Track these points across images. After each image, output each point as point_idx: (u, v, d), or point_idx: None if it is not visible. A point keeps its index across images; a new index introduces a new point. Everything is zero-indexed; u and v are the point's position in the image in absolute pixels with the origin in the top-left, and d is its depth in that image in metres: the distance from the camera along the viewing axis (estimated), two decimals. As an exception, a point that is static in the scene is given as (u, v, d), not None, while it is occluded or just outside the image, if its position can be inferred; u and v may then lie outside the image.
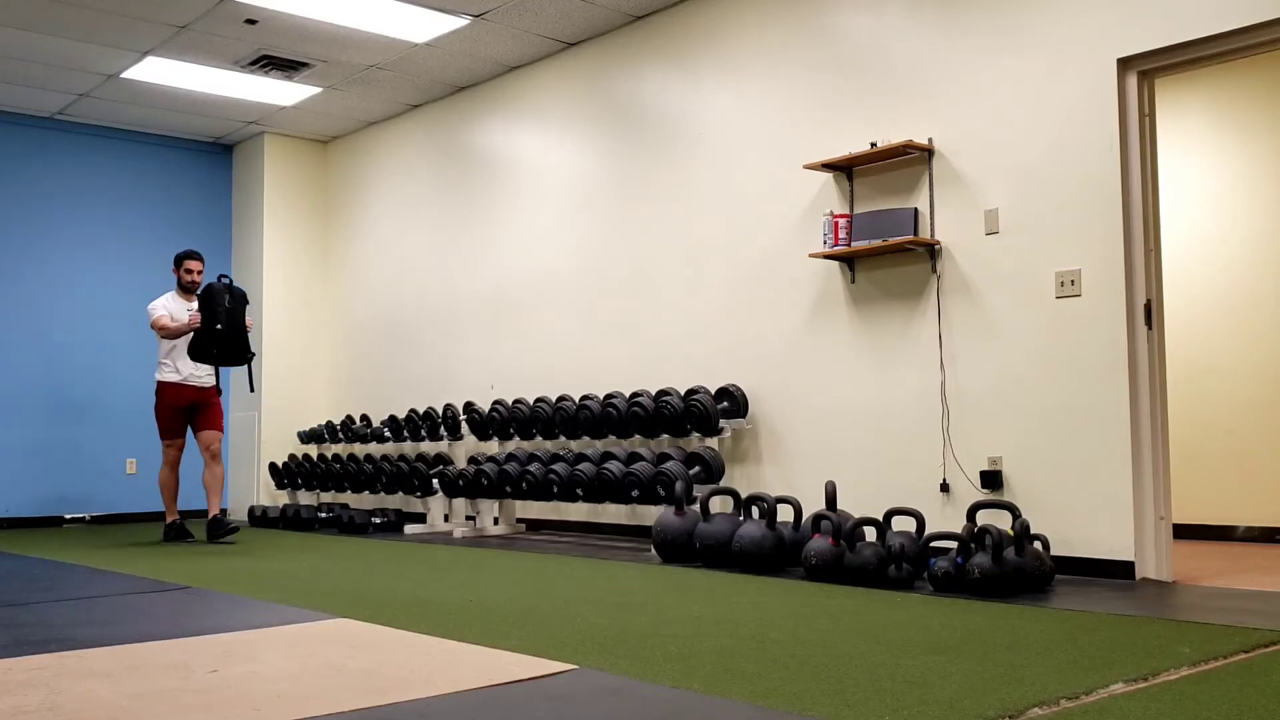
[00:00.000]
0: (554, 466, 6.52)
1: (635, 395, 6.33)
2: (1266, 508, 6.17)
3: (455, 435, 7.54)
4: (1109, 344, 4.64)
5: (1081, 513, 4.68)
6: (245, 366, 6.77)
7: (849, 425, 5.58)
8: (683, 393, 6.19)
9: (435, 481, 7.38)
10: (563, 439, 6.93)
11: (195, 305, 6.78)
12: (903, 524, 5.09)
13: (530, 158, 7.58)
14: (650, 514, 6.51)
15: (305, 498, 8.81)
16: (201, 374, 6.96)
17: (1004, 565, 4.10)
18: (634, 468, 6.03)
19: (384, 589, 4.45)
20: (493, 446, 7.55)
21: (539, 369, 7.39)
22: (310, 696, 2.51)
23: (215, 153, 9.62)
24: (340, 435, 8.55)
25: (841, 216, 5.50)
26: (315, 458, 8.68)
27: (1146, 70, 4.67)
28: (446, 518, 7.68)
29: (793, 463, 5.84)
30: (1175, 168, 6.52)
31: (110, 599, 4.26)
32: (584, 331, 7.09)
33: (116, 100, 8.35)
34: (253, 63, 7.52)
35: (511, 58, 7.50)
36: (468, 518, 7.59)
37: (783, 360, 5.91)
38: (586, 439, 6.75)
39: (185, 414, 6.99)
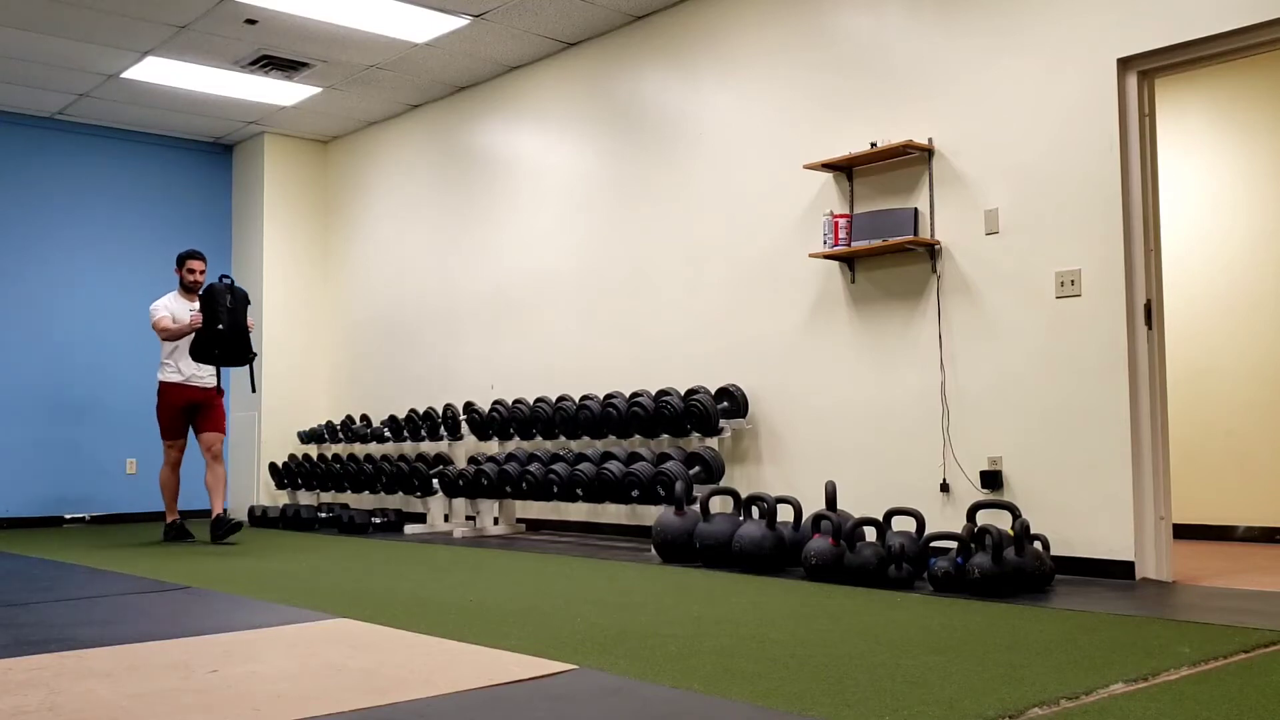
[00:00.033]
0: (554, 466, 6.52)
1: (635, 395, 6.34)
2: (1266, 508, 6.17)
3: (455, 435, 7.54)
4: (1109, 344, 4.64)
5: (1081, 513, 4.68)
6: (247, 367, 6.76)
7: (849, 425, 5.58)
8: (683, 393, 6.19)
9: (435, 481, 7.38)
10: (563, 439, 6.93)
11: (197, 305, 6.77)
12: (903, 524, 5.09)
13: (530, 158, 7.58)
14: (650, 514, 6.51)
15: (305, 498, 8.81)
16: (204, 375, 6.94)
17: (1004, 565, 4.10)
18: (634, 468, 6.03)
19: (384, 589, 4.45)
20: (493, 446, 7.55)
21: (539, 369, 7.39)
22: (310, 696, 2.51)
23: (215, 153, 9.62)
24: (340, 435, 8.55)
25: (841, 216, 5.50)
26: (315, 458, 8.68)
27: (1146, 70, 4.67)
28: (446, 518, 7.68)
29: (793, 463, 5.84)
30: (1175, 168, 6.52)
31: (110, 599, 4.26)
32: (584, 331, 7.09)
33: (116, 100, 8.35)
34: (253, 63, 7.52)
35: (511, 58, 7.50)
36: (468, 518, 7.59)
37: (783, 360, 5.91)
38: (586, 439, 6.76)
39: (187, 415, 6.98)
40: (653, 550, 5.62)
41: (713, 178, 6.35)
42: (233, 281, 6.66)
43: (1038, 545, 4.49)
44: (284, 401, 9.16)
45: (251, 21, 6.80)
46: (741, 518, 5.22)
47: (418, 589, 4.43)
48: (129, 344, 8.94)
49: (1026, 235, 4.93)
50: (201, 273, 6.98)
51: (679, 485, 5.48)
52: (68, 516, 8.75)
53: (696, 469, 5.90)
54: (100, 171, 9.03)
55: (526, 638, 3.26)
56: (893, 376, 5.42)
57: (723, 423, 5.97)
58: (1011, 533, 4.23)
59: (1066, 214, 4.80)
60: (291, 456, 8.86)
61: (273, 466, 8.86)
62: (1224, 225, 6.44)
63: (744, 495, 5.48)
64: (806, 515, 5.14)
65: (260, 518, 8.48)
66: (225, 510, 6.86)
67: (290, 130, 9.21)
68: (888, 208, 5.42)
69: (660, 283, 6.61)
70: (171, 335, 6.79)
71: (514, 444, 7.38)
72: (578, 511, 7.07)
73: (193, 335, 6.68)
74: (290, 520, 8.17)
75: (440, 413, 7.71)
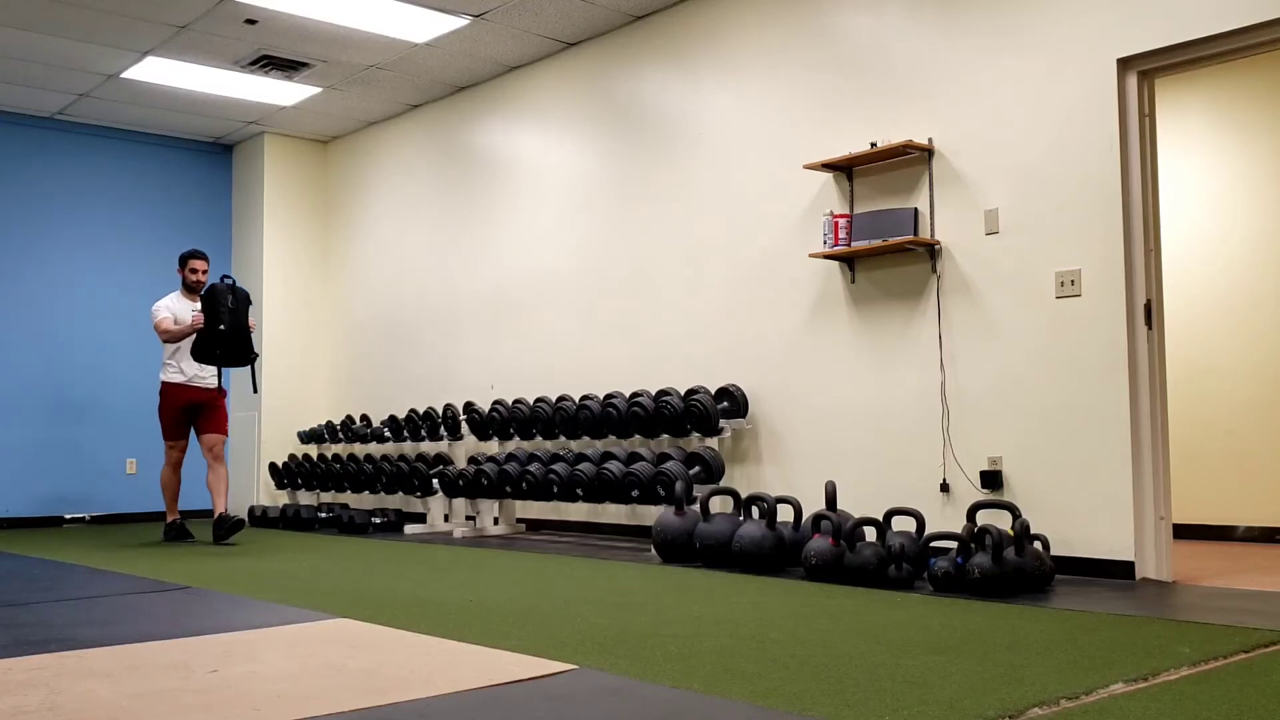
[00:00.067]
0: (554, 466, 6.52)
1: (635, 395, 6.34)
2: (1266, 508, 6.17)
3: (455, 435, 7.54)
4: (1109, 344, 4.64)
5: (1081, 513, 4.68)
6: (248, 367, 6.75)
7: (849, 425, 5.58)
8: (683, 393, 6.19)
9: (435, 481, 7.38)
10: (563, 439, 6.93)
11: (199, 305, 6.76)
12: (903, 524, 5.09)
13: (530, 158, 7.58)
14: (650, 514, 6.51)
15: (305, 498, 8.81)
16: (206, 375, 6.92)
17: (1004, 565, 4.10)
18: (634, 468, 6.03)
19: (384, 589, 4.45)
20: (493, 446, 7.55)
21: (539, 369, 7.39)
22: (310, 696, 2.51)
23: (215, 153, 9.62)
24: (340, 435, 8.55)
25: (841, 216, 5.50)
26: (315, 458, 8.68)
27: (1146, 70, 4.67)
28: (446, 518, 7.68)
29: (793, 463, 5.84)
30: (1175, 168, 6.52)
31: (110, 599, 4.26)
32: (584, 331, 7.09)
33: (116, 100, 8.35)
34: (253, 63, 7.52)
35: (511, 58, 7.50)
36: (468, 518, 7.59)
37: (783, 360, 5.92)
38: (586, 439, 6.75)
39: (189, 415, 6.96)
40: (653, 550, 5.62)
41: (713, 178, 6.35)
42: (234, 282, 6.65)
43: (1038, 545, 4.49)
44: (284, 401, 9.16)
45: (251, 21, 6.80)
46: (741, 518, 5.22)
47: (418, 589, 4.43)
48: (129, 344, 8.94)
49: (1026, 235, 4.93)
50: (204, 272, 6.96)
51: (679, 485, 5.48)
52: (68, 516, 8.75)
53: (696, 469, 5.90)
54: (100, 171, 9.03)
55: (526, 638, 3.26)
56: (893, 376, 5.42)
57: (723, 423, 5.97)
58: (1011, 533, 4.23)
59: (1066, 214, 4.80)
60: (291, 456, 8.86)
61: (273, 466, 8.86)
62: (1224, 225, 6.44)
63: (744, 495, 5.48)
64: (806, 515, 5.14)
65: (260, 518, 8.48)
66: (227, 510, 6.84)
67: (290, 130, 9.21)
68: (888, 208, 5.42)
69: (660, 283, 6.61)
70: (173, 337, 6.77)
71: (514, 444, 7.38)
72: (578, 511, 7.07)
73: (194, 335, 6.66)
74: (290, 520, 8.17)
75: (440, 413, 7.71)
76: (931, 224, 5.27)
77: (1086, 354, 4.71)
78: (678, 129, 6.57)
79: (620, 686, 2.60)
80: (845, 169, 5.63)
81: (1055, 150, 4.84)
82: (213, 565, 5.50)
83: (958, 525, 4.97)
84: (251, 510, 8.62)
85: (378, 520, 7.82)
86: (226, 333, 6.52)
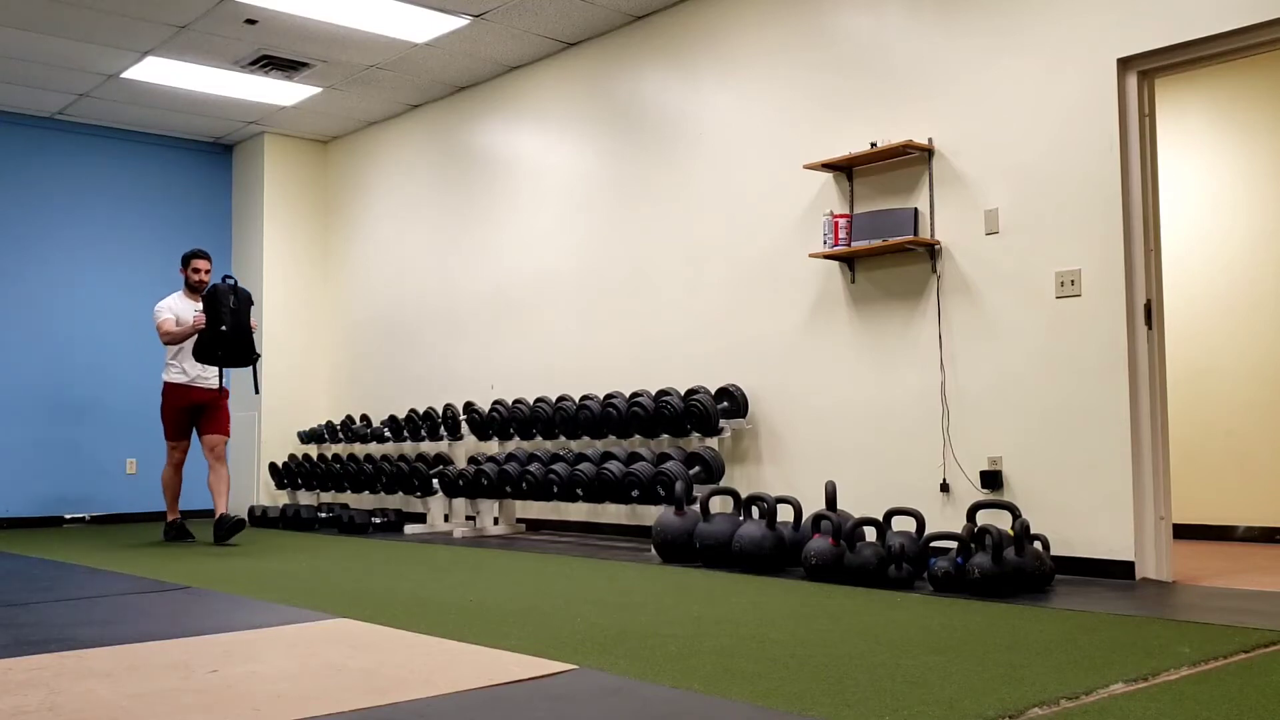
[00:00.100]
0: (554, 466, 6.52)
1: (635, 395, 6.34)
2: (1266, 508, 6.17)
3: (455, 435, 7.54)
4: (1109, 344, 4.64)
5: (1081, 513, 4.68)
6: (250, 368, 6.74)
7: (849, 425, 5.58)
8: (683, 393, 6.19)
9: (435, 481, 7.38)
10: (563, 439, 6.93)
11: (202, 305, 6.74)
12: (903, 524, 5.09)
13: (530, 158, 7.58)
14: (650, 514, 6.51)
15: (305, 498, 8.81)
16: (209, 375, 6.89)
17: (1004, 565, 4.10)
18: (634, 468, 6.03)
19: (384, 589, 4.45)
20: (493, 446, 7.55)
21: (539, 369, 7.39)
22: (310, 696, 2.51)
23: (215, 153, 9.63)
24: (340, 435, 8.55)
25: (841, 216, 5.50)
26: (315, 458, 8.68)
27: (1146, 70, 4.67)
28: (446, 518, 7.68)
29: (793, 463, 5.84)
30: (1175, 168, 6.52)
31: (110, 599, 4.26)
32: (584, 331, 7.09)
33: (116, 100, 8.35)
34: (253, 63, 7.52)
35: (511, 58, 7.51)
36: (468, 518, 7.59)
37: (783, 360, 5.92)
38: (586, 439, 6.75)
39: (191, 415, 6.94)
40: (653, 550, 5.62)
41: (713, 178, 6.35)
42: (236, 282, 6.64)
43: (1038, 545, 4.49)
44: (284, 401, 9.17)
45: (251, 21, 6.80)
46: (741, 518, 5.22)
47: (418, 589, 4.43)
48: (129, 344, 8.94)
49: (1026, 235, 4.93)
50: (207, 272, 6.93)
51: (679, 485, 5.48)
52: (68, 516, 8.75)
53: (696, 469, 5.90)
54: (100, 171, 9.03)
55: (526, 638, 3.26)
56: (893, 376, 5.42)
57: (723, 423, 5.97)
58: (1011, 533, 4.23)
59: (1066, 214, 4.80)
60: (291, 456, 8.86)
61: (273, 466, 8.86)
62: (1224, 225, 6.44)
63: (744, 495, 5.48)
64: (806, 515, 5.14)
65: (260, 518, 8.48)
66: (228, 510, 6.82)
67: (290, 130, 9.21)
68: (888, 208, 5.42)
69: (660, 283, 6.61)
70: (174, 338, 6.75)
71: (514, 444, 7.38)
72: (578, 511, 7.07)
73: (196, 336, 6.65)
74: (290, 520, 8.17)
75: (440, 413, 7.71)
76: (931, 224, 5.27)
77: (1086, 354, 4.71)
78: (678, 129, 6.57)
79: (620, 686, 2.60)
80: (845, 169, 5.63)
81: (1055, 150, 4.84)
82: (213, 565, 5.50)
83: (958, 525, 4.97)
84: (251, 510, 8.62)
85: (378, 520, 7.82)
86: (228, 333, 6.51)
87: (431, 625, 3.52)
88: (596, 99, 7.10)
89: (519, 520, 7.45)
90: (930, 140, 5.28)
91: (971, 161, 5.14)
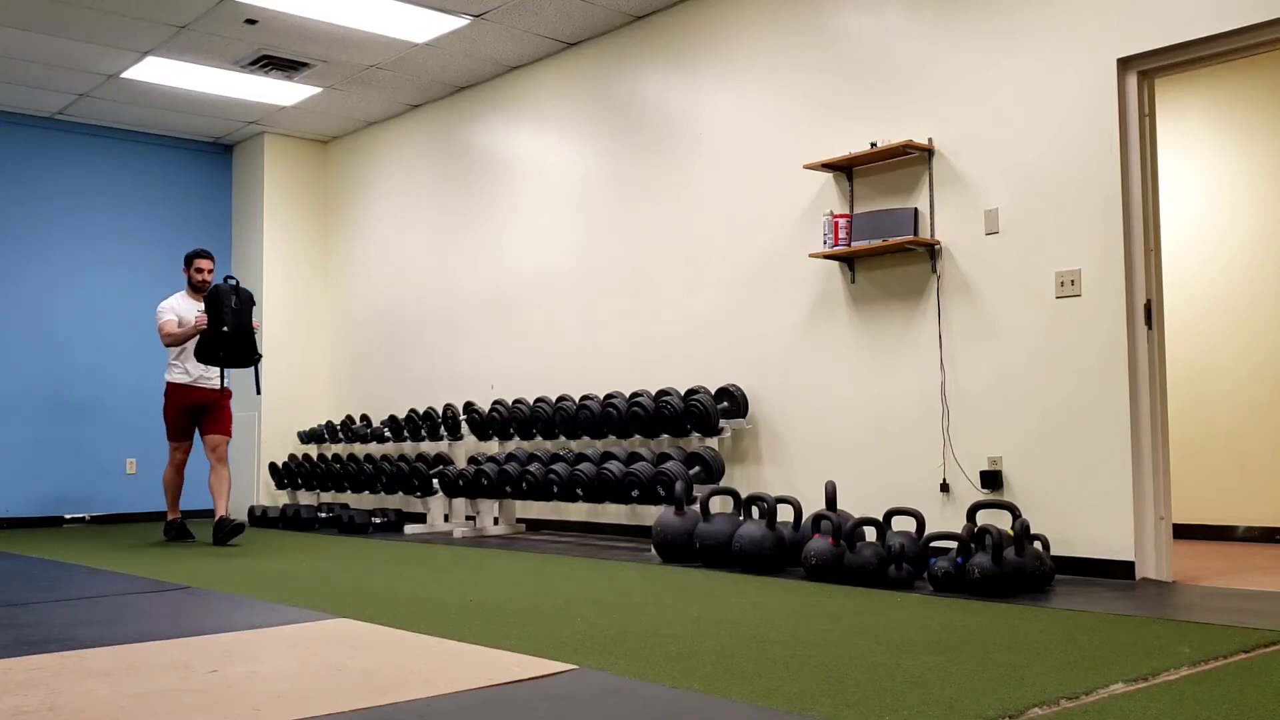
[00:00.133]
0: (554, 466, 6.52)
1: (635, 395, 6.34)
2: (1266, 508, 6.17)
3: (455, 435, 7.54)
4: (1109, 344, 4.64)
5: (1081, 513, 4.68)
6: (251, 368, 6.73)
7: (849, 425, 5.58)
8: (683, 393, 6.19)
9: (435, 481, 7.38)
10: (563, 439, 6.93)
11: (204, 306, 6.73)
12: (903, 524, 5.09)
13: (530, 158, 7.58)
14: (650, 514, 6.51)
15: (305, 498, 8.81)
16: (212, 375, 6.87)
17: (1004, 565, 4.10)
18: (634, 468, 6.03)
19: (384, 589, 4.45)
20: (493, 446, 7.55)
21: (539, 369, 7.39)
22: (310, 696, 2.51)
23: (215, 153, 9.63)
24: (340, 435, 8.55)
25: (841, 216, 5.50)
26: (315, 458, 8.68)
27: (1146, 70, 4.68)
28: (446, 518, 7.68)
29: (793, 463, 5.84)
30: (1175, 168, 6.52)
31: (110, 599, 4.26)
32: (584, 331, 7.09)
33: (116, 100, 8.35)
34: (253, 63, 7.52)
35: (511, 58, 7.51)
36: (468, 518, 7.59)
37: (783, 360, 5.92)
38: (586, 439, 6.75)
39: (194, 416, 6.92)
40: (653, 550, 5.62)
41: (713, 178, 6.35)
42: (238, 282, 6.63)
43: (1038, 545, 4.49)
44: (284, 401, 9.17)
45: (251, 21, 6.80)
46: (741, 518, 5.22)
47: (418, 589, 4.43)
48: (129, 344, 8.94)
49: (1026, 235, 4.93)
50: (210, 272, 6.91)
51: (679, 485, 5.48)
52: (68, 516, 8.75)
53: (696, 469, 5.90)
54: (100, 171, 9.03)
55: (526, 638, 3.26)
56: (893, 376, 5.42)
57: (723, 423, 5.97)
58: (1011, 533, 4.23)
59: (1066, 214, 4.80)
60: (291, 456, 8.86)
61: (273, 466, 8.86)
62: (1224, 225, 6.44)
63: (744, 495, 5.48)
64: (806, 515, 5.14)
65: (260, 518, 8.48)
66: (228, 513, 6.80)
67: (290, 130, 9.21)
68: (888, 208, 5.43)
69: (660, 283, 6.61)
70: (175, 340, 6.73)
71: (514, 444, 7.38)
72: (578, 511, 7.07)
73: (198, 336, 6.63)
74: (290, 520, 8.17)
75: (440, 413, 7.71)
76: (931, 224, 5.27)
77: (1086, 354, 4.71)
78: (678, 129, 6.57)
79: (620, 686, 2.60)
80: (845, 169, 5.63)
81: (1055, 150, 4.84)
82: (213, 565, 5.50)
83: (958, 525, 4.97)
84: (251, 510, 8.62)
85: (378, 520, 7.82)
86: (230, 334, 6.50)
87: (431, 625, 3.52)
88: (596, 99, 7.10)
89: (519, 520, 7.45)
90: (930, 140, 5.28)
91: (971, 161, 5.14)
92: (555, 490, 6.45)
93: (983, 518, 4.89)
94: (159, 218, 9.29)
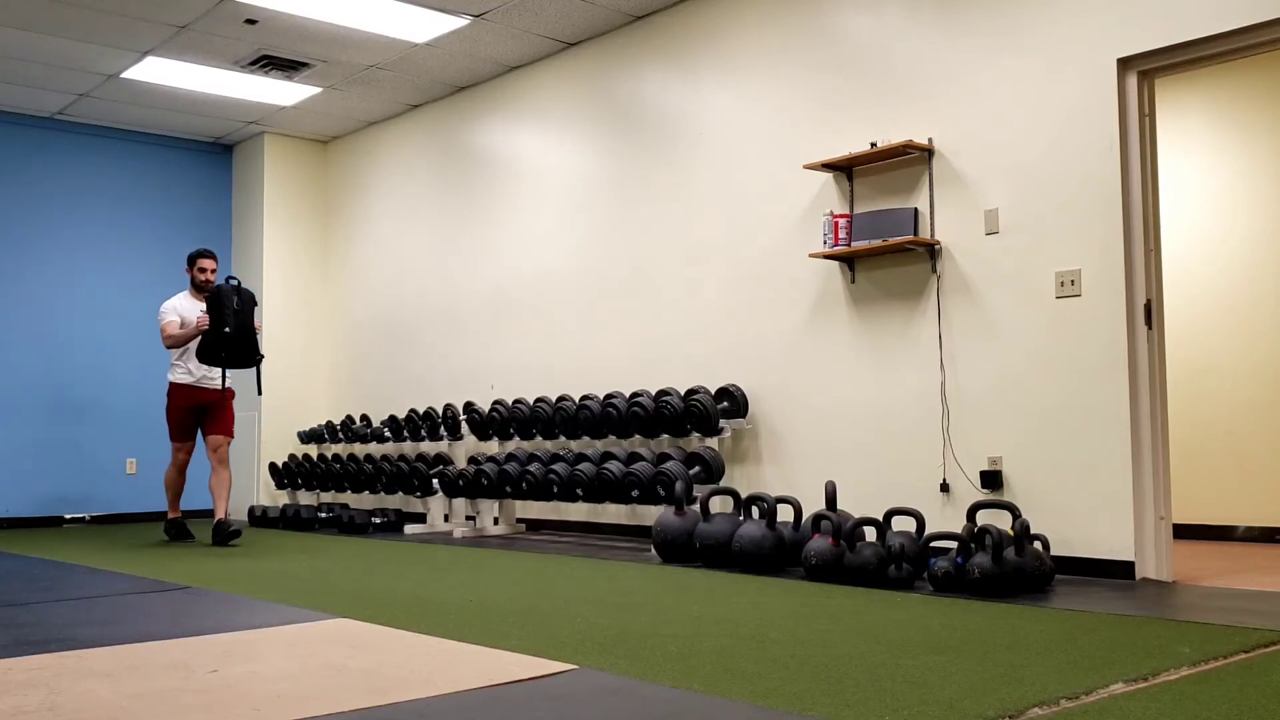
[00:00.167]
0: (554, 466, 6.52)
1: (635, 395, 6.34)
2: (1266, 508, 6.17)
3: (455, 435, 7.54)
4: (1109, 344, 4.64)
5: (1081, 513, 4.68)
6: (254, 369, 6.72)
7: (849, 425, 5.58)
8: (683, 393, 6.19)
9: (435, 481, 7.38)
10: (563, 439, 6.93)
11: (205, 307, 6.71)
12: (903, 524, 5.09)
13: (530, 158, 7.58)
14: (650, 514, 6.51)
15: (305, 498, 8.81)
16: (214, 376, 6.85)
17: (1004, 565, 4.10)
18: (634, 468, 6.03)
19: (384, 589, 4.45)
20: (493, 446, 7.55)
21: (539, 369, 7.39)
22: (310, 696, 2.51)
23: (215, 153, 9.63)
24: (340, 435, 8.55)
25: (841, 216, 5.50)
26: (315, 458, 8.68)
27: (1146, 70, 4.68)
28: (446, 518, 7.68)
29: (793, 463, 5.84)
30: (1175, 168, 6.52)
31: (110, 599, 4.26)
32: (584, 331, 7.09)
33: (116, 100, 8.35)
34: (253, 63, 7.52)
35: (511, 58, 7.51)
36: (468, 518, 7.59)
37: (783, 360, 5.92)
38: (586, 439, 6.75)
39: (196, 416, 6.89)
40: (653, 550, 5.62)
41: (713, 178, 6.35)
42: (239, 283, 6.62)
43: (1038, 545, 4.49)
44: (284, 401, 9.16)
45: (251, 21, 6.80)
46: (741, 518, 5.22)
47: (418, 589, 4.43)
48: (129, 344, 8.94)
49: (1026, 235, 4.93)
50: (213, 271, 6.87)
51: (679, 485, 5.48)
52: (68, 516, 8.75)
53: (696, 469, 5.90)
54: (100, 171, 9.03)
55: (526, 638, 3.26)
56: (893, 376, 5.42)
57: (723, 423, 5.97)
58: (1011, 533, 4.23)
59: (1066, 214, 4.80)
60: (291, 456, 8.86)
61: (273, 466, 8.86)
62: (1224, 225, 6.44)
63: (744, 495, 5.48)
64: (806, 515, 5.14)
65: (260, 518, 8.48)
66: (227, 515, 6.78)
67: (290, 130, 9.22)
68: (888, 208, 5.43)
69: (660, 283, 6.61)
70: (176, 342, 6.70)
71: (514, 444, 7.38)
72: (578, 511, 7.07)
73: (200, 337, 6.61)
74: (290, 520, 8.17)
75: (440, 413, 7.71)
76: (931, 224, 5.27)
77: (1086, 354, 4.71)
78: (678, 129, 6.57)
79: (620, 686, 2.60)
80: (845, 169, 5.63)
81: (1055, 150, 4.84)
82: (213, 565, 5.50)
83: (958, 525, 4.97)
84: (251, 510, 8.62)
85: (378, 520, 7.82)
86: (231, 334, 6.49)
87: (431, 625, 3.52)
88: (596, 99, 7.10)
89: (519, 520, 7.45)
90: (930, 140, 5.28)
91: (971, 161, 5.14)
92: (555, 490, 6.45)
93: (983, 518, 4.89)
94: (159, 218, 9.29)
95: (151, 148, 9.27)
